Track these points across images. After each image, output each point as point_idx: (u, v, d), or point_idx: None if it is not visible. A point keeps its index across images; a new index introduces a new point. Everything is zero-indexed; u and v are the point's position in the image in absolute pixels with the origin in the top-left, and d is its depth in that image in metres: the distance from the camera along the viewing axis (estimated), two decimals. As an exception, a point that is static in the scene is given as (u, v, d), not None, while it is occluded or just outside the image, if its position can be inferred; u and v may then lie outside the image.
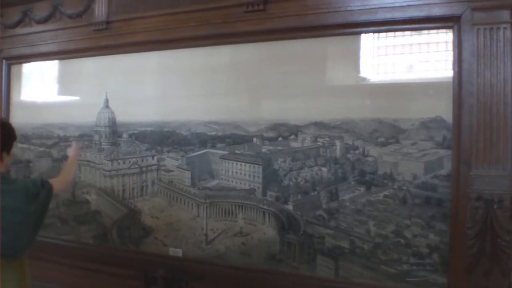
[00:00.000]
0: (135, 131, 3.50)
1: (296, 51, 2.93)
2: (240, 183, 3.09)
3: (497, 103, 2.39)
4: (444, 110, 2.55)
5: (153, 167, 3.44)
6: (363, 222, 2.72)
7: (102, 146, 3.65)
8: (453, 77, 2.51)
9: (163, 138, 3.37)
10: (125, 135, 3.55)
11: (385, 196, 2.68)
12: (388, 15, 2.64)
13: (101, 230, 3.66)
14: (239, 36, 3.05)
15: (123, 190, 3.56)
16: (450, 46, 2.54)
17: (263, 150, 3.02)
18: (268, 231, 3.01)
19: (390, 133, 2.68)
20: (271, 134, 2.99)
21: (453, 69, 2.51)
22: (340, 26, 2.78)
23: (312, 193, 2.87)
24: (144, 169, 3.48)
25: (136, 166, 3.50)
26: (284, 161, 2.96)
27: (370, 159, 2.73)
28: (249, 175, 3.05)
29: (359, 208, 2.74)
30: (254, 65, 3.05)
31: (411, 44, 2.68)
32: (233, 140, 3.11)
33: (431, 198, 2.58)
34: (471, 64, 2.45)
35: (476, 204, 2.40)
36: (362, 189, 2.74)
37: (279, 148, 2.98)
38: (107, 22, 3.52)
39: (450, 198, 2.52)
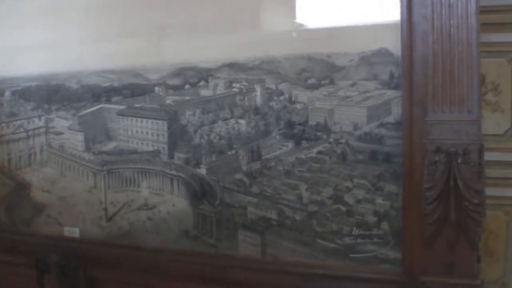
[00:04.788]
0: (19, 88, 2.96)
1: None
2: (142, 144, 2.63)
3: (458, 28, 1.90)
4: (390, 40, 2.07)
5: (41, 130, 2.92)
6: (293, 186, 2.30)
7: (-18, 108, 3.09)
8: None
9: (51, 94, 2.85)
10: (7, 93, 3.00)
11: (319, 152, 2.26)
12: None
13: (-13, 209, 3.15)
14: None
15: (9, 160, 3.04)
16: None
17: (168, 101, 2.56)
18: (178, 202, 2.57)
19: (323, 72, 2.23)
20: (176, 81, 2.53)
21: None
22: None
23: (229, 153, 2.44)
24: (30, 133, 2.96)
25: (22, 130, 2.97)
26: (193, 114, 2.50)
27: (298, 106, 2.29)
28: (152, 134, 2.59)
29: (288, 169, 2.31)
30: None
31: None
32: (131, 91, 2.63)
33: (377, 152, 2.15)
34: None
35: (435, 158, 1.94)
36: (290, 144, 2.32)
37: (187, 98, 2.52)
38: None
39: (402, 151, 2.07)
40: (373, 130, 2.16)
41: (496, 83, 2.80)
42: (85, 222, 2.81)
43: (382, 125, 2.15)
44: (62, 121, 2.84)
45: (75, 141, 2.81)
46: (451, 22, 1.90)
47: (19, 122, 2.98)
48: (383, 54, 2.10)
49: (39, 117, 2.91)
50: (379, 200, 2.15)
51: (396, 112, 2.10)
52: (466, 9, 1.88)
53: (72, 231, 2.84)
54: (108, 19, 2.66)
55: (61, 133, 2.85)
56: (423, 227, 2.00)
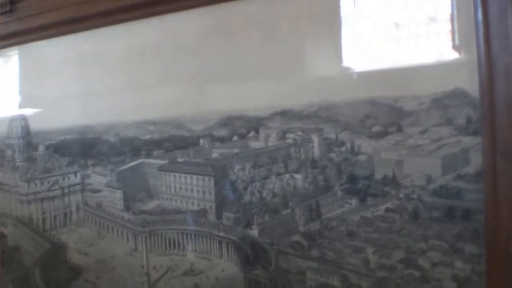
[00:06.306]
0: (53, 141, 2.83)
1: (251, 16, 2.26)
2: (187, 202, 2.42)
3: None
4: (465, 78, 1.83)
5: (77, 187, 2.77)
6: (358, 249, 2.05)
7: (17, 164, 2.97)
8: (476, 29, 1.77)
9: (87, 148, 2.70)
10: (41, 147, 2.87)
11: (387, 210, 2.02)
12: None
13: (22, 272, 3.00)
14: (173, 2, 2.34)
15: (43, 219, 2.87)
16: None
17: (214, 155, 2.37)
18: (227, 266, 2.35)
19: (389, 118, 2.00)
20: (223, 132, 2.33)
21: (476, 14, 1.77)
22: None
23: (284, 212, 2.20)
24: (66, 190, 2.81)
25: (57, 187, 2.82)
26: (243, 169, 2.29)
27: (362, 158, 2.06)
28: (198, 191, 2.39)
29: (351, 230, 2.07)
30: (196, 40, 2.37)
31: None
32: (174, 144, 2.45)
33: (455, 209, 1.89)
34: (503, 6, 1.71)
35: None
36: (354, 201, 2.07)
37: (235, 150, 2.32)
38: (12, 2, 2.81)
39: (485, 207, 1.80)
40: (449, 183, 1.91)
41: None
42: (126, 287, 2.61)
43: (459, 177, 1.90)
44: (99, 178, 2.69)
45: (114, 199, 2.64)
46: (540, 53, 1.66)
47: (53, 178, 2.84)
48: (458, 95, 1.87)
49: (75, 173, 2.77)
50: (458, 264, 1.89)
51: (476, 161, 1.85)
52: (557, 38, 1.65)
53: (112, 298, 2.63)
54: (147, 67, 2.52)
55: (99, 191, 2.69)
56: (513, 294, 1.73)
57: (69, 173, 2.78)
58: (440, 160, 1.94)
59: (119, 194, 2.61)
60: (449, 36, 1.89)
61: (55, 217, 2.85)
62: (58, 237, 2.83)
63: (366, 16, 2.07)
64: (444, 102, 1.89)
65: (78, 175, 2.75)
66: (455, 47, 1.88)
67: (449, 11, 1.89)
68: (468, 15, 1.79)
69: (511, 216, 1.72)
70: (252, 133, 2.27)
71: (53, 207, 2.85)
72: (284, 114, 2.18)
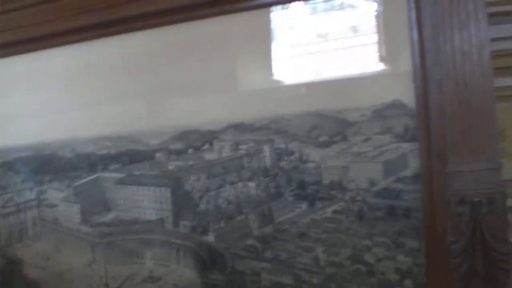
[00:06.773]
0: (8, 159, 2.82)
1: (201, 35, 2.34)
2: (144, 213, 2.47)
3: (473, 75, 1.84)
4: (403, 91, 1.98)
5: (33, 203, 2.76)
6: (309, 248, 2.15)
7: (-30, 182, 2.92)
8: (412, 46, 1.93)
9: (43, 164, 2.70)
10: None
11: (334, 212, 2.13)
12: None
13: (-23, 290, 2.93)
14: (127, 23, 2.41)
15: None
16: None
17: (170, 167, 2.42)
18: (185, 272, 2.40)
19: (334, 128, 2.12)
20: (178, 145, 2.39)
21: (411, 35, 1.94)
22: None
23: (239, 218, 2.29)
24: (21, 206, 2.80)
25: (12, 203, 2.82)
26: (198, 180, 2.36)
27: (310, 165, 2.17)
28: (155, 202, 2.44)
29: (302, 231, 2.17)
30: (149, 59, 2.44)
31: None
32: (130, 158, 2.49)
33: (396, 208, 2.03)
34: (435, 27, 1.88)
35: (458, 210, 1.84)
36: (304, 205, 2.18)
37: (190, 163, 2.38)
38: (-36, 22, 2.81)
39: (422, 205, 1.96)
40: (390, 185, 2.04)
41: (501, 128, 2.72)
42: (85, 299, 2.60)
43: (399, 179, 2.03)
44: (55, 193, 2.68)
45: (71, 213, 2.64)
46: (466, 69, 1.84)
47: (8, 195, 2.83)
48: (396, 106, 2.01)
49: (31, 189, 2.76)
50: (400, 257, 2.03)
51: (413, 165, 1.99)
52: (480, 55, 1.83)
53: (70, 310, 2.62)
54: (101, 84, 2.55)
55: (55, 205, 2.69)
56: (449, 282, 1.88)
57: (24, 189, 2.78)
58: (381, 165, 2.07)
59: (76, 208, 2.62)
60: (386, 52, 2.06)
61: (10, 233, 2.84)
62: (13, 253, 2.82)
63: (307, 31, 2.20)
64: (384, 113, 2.03)
65: (34, 191, 2.75)
66: (392, 62, 2.04)
67: (386, 30, 2.06)
68: (404, 33, 1.95)
69: (446, 213, 1.86)
70: (206, 146, 2.34)
71: (8, 224, 2.84)
72: (237, 127, 2.26)
